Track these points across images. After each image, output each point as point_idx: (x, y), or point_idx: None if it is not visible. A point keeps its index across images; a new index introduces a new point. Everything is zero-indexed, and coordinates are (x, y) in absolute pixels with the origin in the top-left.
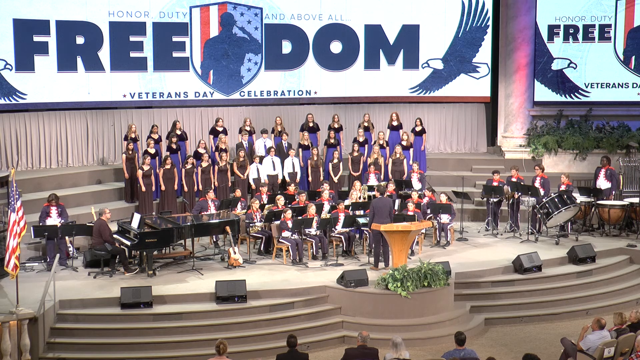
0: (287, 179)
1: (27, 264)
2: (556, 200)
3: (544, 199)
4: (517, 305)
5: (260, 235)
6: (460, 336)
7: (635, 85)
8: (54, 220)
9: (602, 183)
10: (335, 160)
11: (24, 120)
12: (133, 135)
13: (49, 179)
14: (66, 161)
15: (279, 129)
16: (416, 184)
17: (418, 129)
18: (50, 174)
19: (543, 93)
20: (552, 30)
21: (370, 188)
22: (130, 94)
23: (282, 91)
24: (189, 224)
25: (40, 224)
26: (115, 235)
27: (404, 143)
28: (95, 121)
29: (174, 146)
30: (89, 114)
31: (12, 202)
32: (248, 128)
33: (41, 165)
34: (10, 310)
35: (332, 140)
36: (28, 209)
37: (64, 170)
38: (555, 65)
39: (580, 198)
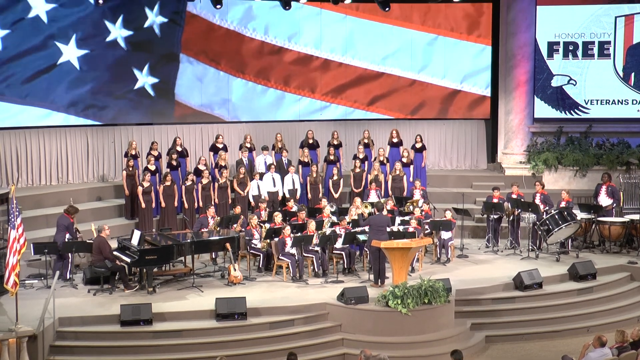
0: (287, 195)
1: (26, 281)
2: (556, 216)
3: (544, 216)
4: (518, 322)
5: (260, 252)
6: (457, 355)
7: (634, 102)
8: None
9: (603, 200)
10: (335, 177)
11: (24, 137)
12: (133, 152)
13: (49, 195)
14: (66, 178)
15: (279, 146)
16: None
17: (418, 145)
18: (50, 191)
19: (543, 110)
20: (552, 47)
21: (371, 205)
22: None
23: None
24: (188, 240)
25: (58, 239)
26: (115, 252)
27: (404, 160)
28: (95, 138)
29: (174, 163)
30: (89, 130)
31: (12, 219)
32: (248, 145)
33: (41, 182)
34: (9, 328)
35: (331, 157)
36: (28, 226)
37: (64, 187)
38: (555, 82)
39: (580, 215)
